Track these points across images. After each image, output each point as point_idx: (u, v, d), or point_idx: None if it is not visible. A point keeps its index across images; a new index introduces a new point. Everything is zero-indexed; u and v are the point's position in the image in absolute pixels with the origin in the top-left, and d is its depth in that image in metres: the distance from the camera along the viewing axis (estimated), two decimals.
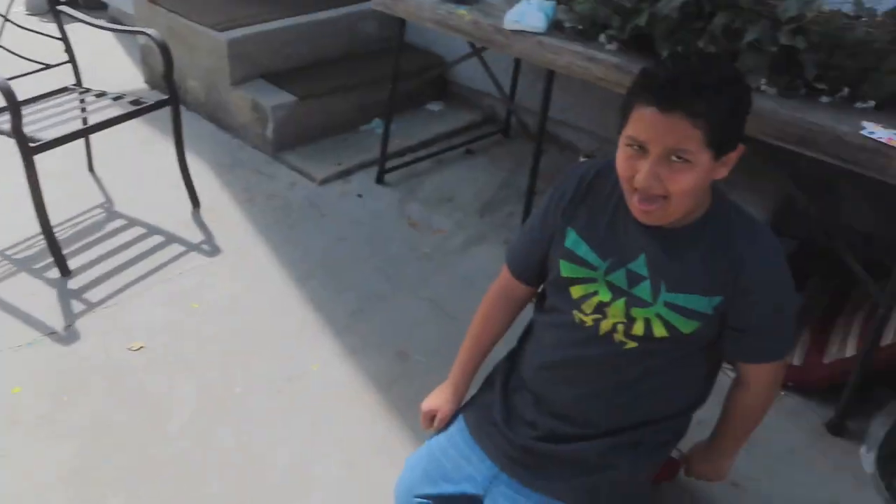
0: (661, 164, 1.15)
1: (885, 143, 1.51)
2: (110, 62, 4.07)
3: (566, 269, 1.32)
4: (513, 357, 1.54)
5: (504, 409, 1.46)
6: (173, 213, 2.73)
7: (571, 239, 1.33)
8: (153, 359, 2.07)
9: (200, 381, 2.00)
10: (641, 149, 1.17)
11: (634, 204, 1.22)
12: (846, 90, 1.72)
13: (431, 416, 1.54)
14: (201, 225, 2.68)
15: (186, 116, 3.43)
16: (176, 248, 2.54)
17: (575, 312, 1.33)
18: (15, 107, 2.18)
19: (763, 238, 1.25)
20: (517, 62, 3.11)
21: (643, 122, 1.15)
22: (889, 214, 2.20)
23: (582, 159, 2.55)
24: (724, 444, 1.48)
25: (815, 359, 1.95)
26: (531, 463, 1.40)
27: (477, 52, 2.60)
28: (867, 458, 1.79)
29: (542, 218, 1.40)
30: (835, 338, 2.00)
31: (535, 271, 1.44)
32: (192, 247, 2.56)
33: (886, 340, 1.83)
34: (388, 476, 1.62)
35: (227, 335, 2.16)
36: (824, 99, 1.73)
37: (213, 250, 2.54)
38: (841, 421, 1.85)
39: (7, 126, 2.27)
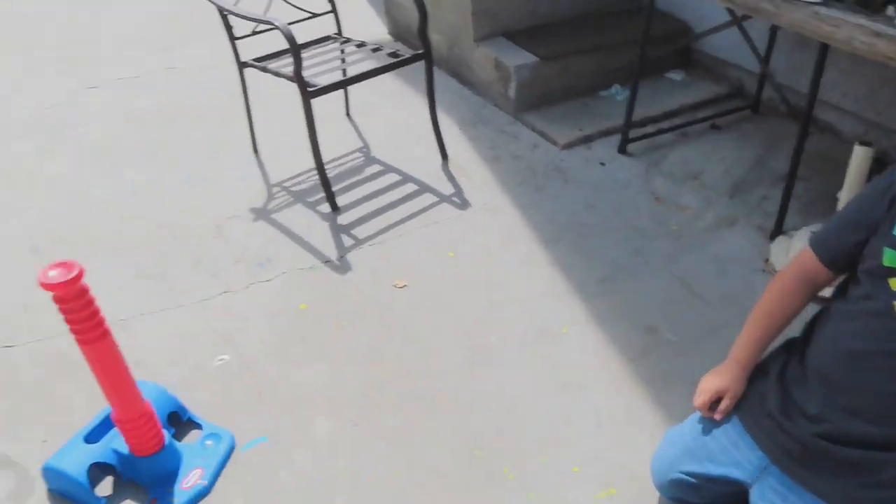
0: None
1: None
2: (355, 13, 4.32)
3: (890, 259, 1.29)
4: (791, 347, 1.51)
5: (781, 399, 1.44)
6: (424, 164, 2.90)
7: None
8: (416, 298, 2.26)
9: (460, 326, 2.15)
10: None
11: None
12: None
13: (714, 397, 1.50)
14: (450, 178, 2.84)
15: None
16: (429, 198, 2.72)
17: (894, 304, 1.29)
18: (296, 51, 2.34)
19: None
20: (773, 32, 2.92)
21: None
22: None
23: (857, 146, 2.36)
24: None
25: None
26: (809, 460, 1.37)
27: (737, 20, 2.45)
28: None
29: (863, 204, 1.38)
30: None
31: (847, 258, 1.41)
32: (443, 198, 2.72)
33: None
34: (638, 445, 1.68)
35: (481, 286, 2.29)
36: None
37: (464, 203, 2.69)
38: None
39: (289, 70, 2.49)
